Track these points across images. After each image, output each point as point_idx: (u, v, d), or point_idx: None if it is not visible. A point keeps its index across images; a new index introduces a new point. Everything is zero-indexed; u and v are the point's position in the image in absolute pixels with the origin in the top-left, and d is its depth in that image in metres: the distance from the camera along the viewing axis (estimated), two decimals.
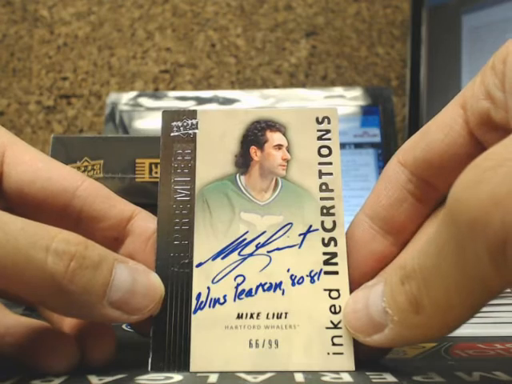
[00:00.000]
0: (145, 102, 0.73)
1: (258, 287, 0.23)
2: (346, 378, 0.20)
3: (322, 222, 0.23)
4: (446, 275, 0.17)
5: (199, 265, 0.23)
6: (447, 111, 0.22)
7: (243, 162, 0.24)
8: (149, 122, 0.71)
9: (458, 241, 0.16)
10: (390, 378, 0.21)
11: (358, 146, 0.69)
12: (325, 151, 0.24)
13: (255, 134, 0.25)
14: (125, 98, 0.73)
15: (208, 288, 0.23)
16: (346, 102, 0.71)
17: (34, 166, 0.24)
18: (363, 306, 0.21)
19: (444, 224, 0.17)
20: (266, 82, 0.82)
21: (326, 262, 0.23)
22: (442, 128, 0.21)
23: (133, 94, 0.74)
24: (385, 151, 0.68)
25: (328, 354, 0.22)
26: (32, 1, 0.84)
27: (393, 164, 0.23)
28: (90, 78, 0.83)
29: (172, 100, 0.73)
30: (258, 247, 0.23)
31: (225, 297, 0.22)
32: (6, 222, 0.19)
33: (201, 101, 0.72)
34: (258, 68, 0.82)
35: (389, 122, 0.70)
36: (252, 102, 0.71)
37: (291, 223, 0.23)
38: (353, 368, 0.21)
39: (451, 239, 0.16)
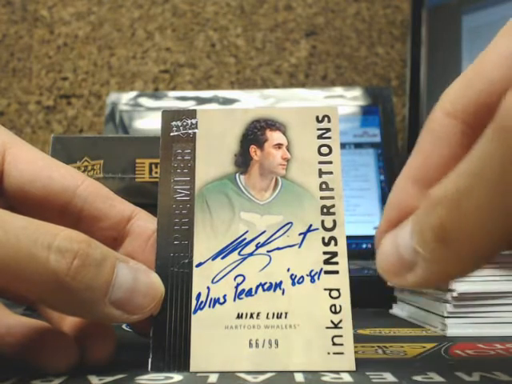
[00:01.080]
0: (145, 102, 0.73)
1: (257, 287, 0.23)
2: (346, 377, 0.20)
3: (322, 222, 0.23)
4: (481, 198, 0.15)
5: (199, 265, 0.23)
6: (499, 45, 0.18)
7: (243, 162, 0.24)
8: (149, 122, 0.71)
9: (506, 159, 0.14)
10: (390, 377, 0.20)
11: (357, 146, 0.69)
12: (325, 150, 0.24)
13: (255, 133, 0.25)
14: (125, 98, 0.73)
15: (208, 288, 0.23)
16: (345, 101, 0.71)
17: (34, 165, 0.24)
18: (392, 246, 0.19)
19: (489, 140, 0.15)
20: (265, 82, 0.82)
21: (327, 262, 0.23)
22: (499, 64, 0.18)
23: (133, 94, 0.74)
24: (385, 151, 0.68)
25: (328, 353, 0.22)
26: (32, 1, 0.84)
27: (439, 117, 0.20)
28: (90, 78, 0.83)
29: (172, 100, 0.73)
30: (257, 247, 0.23)
31: (225, 297, 0.22)
32: (7, 221, 0.19)
33: (201, 101, 0.72)
34: (258, 68, 0.82)
35: (389, 122, 0.70)
36: (252, 102, 0.71)
37: (291, 222, 0.23)
38: (353, 368, 0.21)
39: (496, 157, 0.15)
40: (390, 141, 0.69)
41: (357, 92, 0.72)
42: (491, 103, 0.18)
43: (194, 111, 0.25)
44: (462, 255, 0.17)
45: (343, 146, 0.68)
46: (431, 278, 0.19)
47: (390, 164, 0.68)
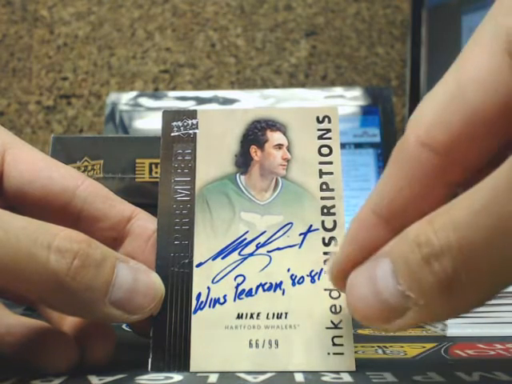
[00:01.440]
0: (145, 102, 0.73)
1: (258, 287, 0.23)
2: (346, 377, 0.20)
3: (323, 222, 0.23)
4: (500, 251, 0.14)
5: (199, 265, 0.23)
6: (482, 61, 0.16)
7: (243, 162, 0.24)
8: (149, 122, 0.71)
9: None
10: (390, 377, 0.20)
11: (357, 146, 0.69)
12: (325, 150, 0.24)
13: (255, 133, 0.25)
14: (125, 98, 0.73)
15: (208, 288, 0.23)
16: (345, 101, 0.71)
17: (34, 165, 0.24)
18: (371, 290, 0.17)
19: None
20: (265, 82, 0.82)
21: (327, 262, 0.23)
22: (486, 87, 0.16)
23: (133, 94, 0.74)
24: (385, 151, 0.68)
25: (328, 354, 0.22)
26: (32, 1, 0.84)
27: (412, 146, 0.17)
28: (90, 78, 0.83)
29: (172, 100, 0.73)
30: (258, 247, 0.23)
31: (225, 297, 0.22)
32: (7, 221, 0.19)
33: (201, 101, 0.72)
34: (258, 68, 0.82)
35: (389, 122, 0.70)
36: (252, 102, 0.71)
37: (291, 223, 0.23)
38: (353, 368, 0.21)
39: None
40: (390, 141, 0.69)
41: (357, 92, 0.72)
42: (473, 133, 0.16)
43: (195, 111, 0.25)
44: (468, 300, 0.16)
45: (343, 146, 0.68)
46: (426, 320, 0.17)
47: None
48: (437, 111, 0.17)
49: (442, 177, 0.17)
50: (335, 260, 0.20)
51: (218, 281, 0.23)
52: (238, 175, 0.24)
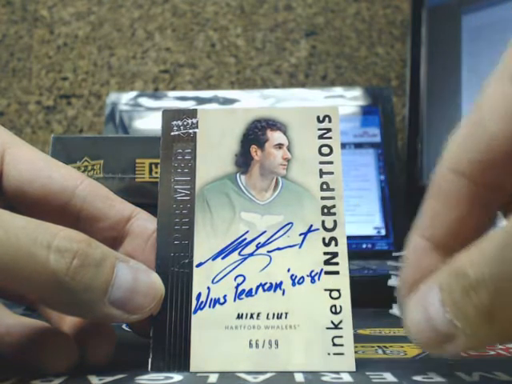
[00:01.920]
0: (145, 102, 0.72)
1: (258, 287, 0.23)
2: (346, 377, 0.20)
3: (323, 222, 0.23)
4: None
5: (199, 265, 0.23)
6: (497, 92, 0.18)
7: (243, 162, 0.24)
8: (149, 122, 0.71)
9: None
10: (390, 377, 0.20)
11: (357, 146, 0.69)
12: (326, 150, 0.24)
13: (256, 132, 0.25)
14: (125, 98, 0.73)
15: (208, 288, 0.23)
16: (345, 102, 0.71)
17: (33, 165, 0.24)
18: (423, 317, 0.18)
19: None
20: (265, 82, 0.82)
21: (327, 262, 0.23)
22: (502, 114, 0.17)
23: (133, 94, 0.74)
24: (385, 151, 0.68)
25: (328, 354, 0.22)
26: (32, 1, 0.84)
27: (445, 175, 0.19)
28: (90, 78, 0.83)
29: (172, 100, 0.73)
30: (258, 247, 0.23)
31: (225, 297, 0.22)
32: (7, 220, 0.19)
33: (201, 101, 0.72)
34: (258, 68, 0.82)
35: (389, 122, 0.70)
36: (252, 102, 0.71)
37: (292, 223, 0.23)
38: (353, 368, 0.21)
39: None
40: (390, 141, 0.69)
41: (357, 92, 0.72)
42: (495, 159, 0.18)
43: (195, 111, 0.25)
44: (509, 329, 0.17)
45: (343, 146, 0.68)
46: (474, 348, 0.18)
47: (390, 164, 0.68)
48: (462, 140, 0.18)
49: (478, 201, 0.19)
50: (398, 285, 0.21)
51: (218, 281, 0.23)
52: (238, 175, 0.24)
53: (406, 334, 0.20)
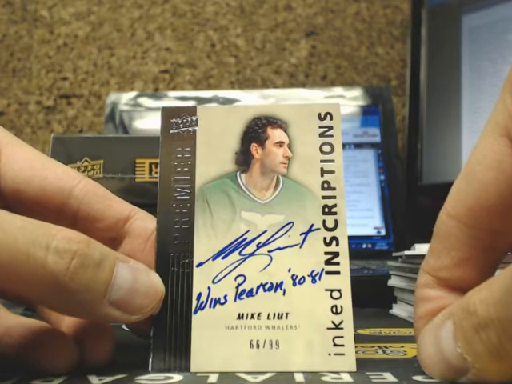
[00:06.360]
0: (145, 102, 0.72)
1: (258, 287, 0.22)
2: (346, 377, 0.20)
3: (324, 221, 0.23)
4: None
5: (199, 264, 0.23)
6: (486, 145, 0.20)
7: (244, 160, 0.24)
8: (149, 122, 0.71)
9: None
10: (390, 377, 0.20)
11: (357, 145, 0.69)
12: (327, 148, 0.24)
13: (256, 130, 0.24)
14: (125, 98, 0.73)
15: (208, 288, 0.22)
16: (345, 101, 0.71)
17: (30, 165, 0.24)
18: (436, 349, 0.19)
19: None
20: (265, 82, 0.81)
21: (328, 262, 0.23)
22: (489, 165, 0.19)
23: (133, 94, 0.73)
24: (385, 151, 0.68)
25: (329, 354, 0.21)
26: (32, 1, 0.84)
27: (444, 220, 0.21)
28: (90, 78, 0.83)
29: (172, 100, 0.73)
30: (258, 247, 0.23)
31: (225, 297, 0.22)
32: (5, 221, 0.19)
33: (201, 101, 0.72)
34: (258, 68, 0.82)
35: (389, 122, 0.70)
36: (252, 102, 0.71)
37: (292, 222, 0.23)
38: (354, 369, 0.21)
39: None
40: (390, 141, 0.69)
41: (357, 92, 0.72)
42: (488, 206, 0.20)
43: (194, 108, 0.25)
44: None
45: (343, 146, 0.67)
46: (488, 381, 0.19)
47: (389, 164, 0.68)
48: (457, 189, 0.21)
49: (477, 243, 0.20)
50: (415, 315, 0.22)
51: (218, 281, 0.23)
52: (238, 174, 0.24)
53: (421, 366, 0.20)
